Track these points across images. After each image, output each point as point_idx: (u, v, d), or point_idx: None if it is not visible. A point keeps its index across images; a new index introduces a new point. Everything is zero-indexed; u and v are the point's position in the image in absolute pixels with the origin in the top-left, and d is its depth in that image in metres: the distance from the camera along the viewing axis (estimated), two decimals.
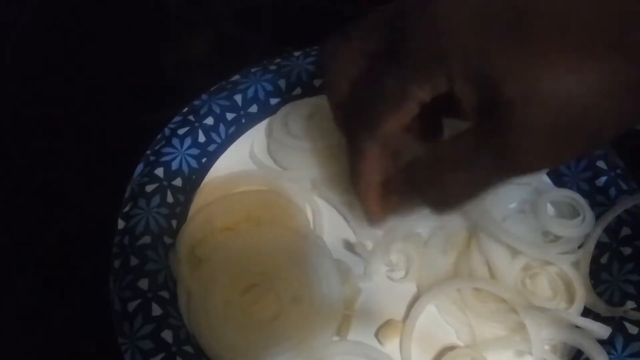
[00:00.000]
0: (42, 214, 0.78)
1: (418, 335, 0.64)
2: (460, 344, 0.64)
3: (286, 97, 0.80)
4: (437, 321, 0.65)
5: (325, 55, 0.62)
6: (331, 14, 0.99)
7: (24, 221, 0.78)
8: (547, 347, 0.62)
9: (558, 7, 0.44)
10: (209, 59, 0.99)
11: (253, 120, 0.79)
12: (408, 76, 0.52)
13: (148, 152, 0.73)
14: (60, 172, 0.82)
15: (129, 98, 0.89)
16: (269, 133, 0.78)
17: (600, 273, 0.67)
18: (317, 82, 0.81)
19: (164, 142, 0.73)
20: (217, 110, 0.76)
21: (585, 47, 0.43)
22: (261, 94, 0.79)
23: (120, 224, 0.67)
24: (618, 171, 0.71)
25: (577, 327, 0.61)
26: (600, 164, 0.71)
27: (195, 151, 0.74)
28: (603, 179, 0.71)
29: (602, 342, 0.60)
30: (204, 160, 0.75)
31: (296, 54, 0.83)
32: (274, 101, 0.80)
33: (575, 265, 0.67)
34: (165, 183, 0.70)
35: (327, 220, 0.72)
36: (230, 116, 0.77)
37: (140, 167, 0.71)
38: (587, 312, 0.65)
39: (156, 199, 0.69)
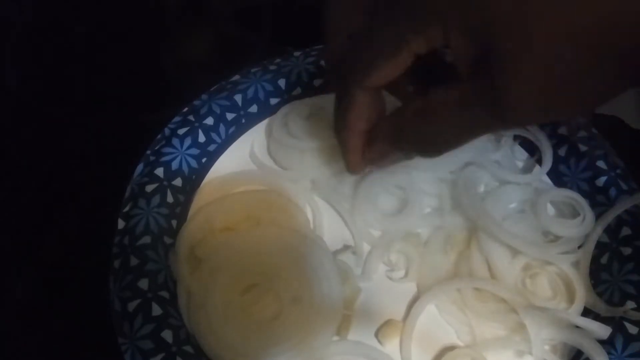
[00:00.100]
0: (42, 214, 0.78)
1: (418, 335, 0.64)
2: (460, 344, 0.64)
3: (286, 97, 0.81)
4: (437, 321, 0.65)
5: (326, 8, 0.62)
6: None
7: (24, 221, 0.78)
8: (547, 347, 0.62)
9: None
10: (209, 59, 0.99)
11: (253, 120, 0.80)
12: (403, 27, 0.51)
13: (148, 152, 0.73)
14: (60, 172, 0.82)
15: (129, 98, 0.89)
16: (269, 133, 0.78)
17: (600, 273, 0.67)
18: (317, 82, 0.81)
19: (164, 142, 0.73)
20: (217, 110, 0.76)
21: None
22: (261, 94, 0.79)
23: (120, 224, 0.67)
24: (618, 171, 0.71)
25: (577, 327, 0.61)
26: (600, 164, 0.71)
27: (195, 151, 0.74)
28: (603, 179, 0.70)
29: (602, 342, 0.60)
30: (204, 160, 0.75)
31: (296, 54, 0.83)
32: (274, 101, 0.80)
33: (575, 265, 0.67)
34: (165, 183, 0.70)
35: (327, 220, 0.72)
36: (230, 116, 0.77)
37: (140, 167, 0.71)
38: (587, 312, 0.65)
39: (156, 199, 0.69)
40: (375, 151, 0.62)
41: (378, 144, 0.61)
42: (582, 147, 0.72)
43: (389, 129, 0.59)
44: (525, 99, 0.45)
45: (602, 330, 0.59)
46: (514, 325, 0.63)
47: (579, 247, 0.68)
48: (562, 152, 0.73)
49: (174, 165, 0.72)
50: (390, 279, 0.68)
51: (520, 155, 0.76)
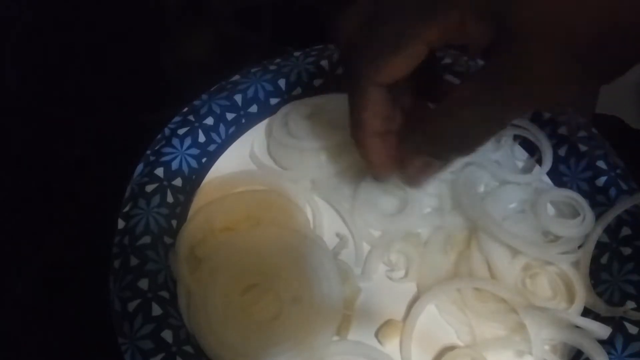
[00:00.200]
0: (42, 214, 0.78)
1: (418, 335, 0.64)
2: (461, 344, 0.64)
3: (286, 97, 0.81)
4: (437, 321, 0.65)
5: (334, 24, 0.61)
6: (331, 15, 0.99)
7: (24, 221, 0.78)
8: (547, 347, 0.62)
9: None
10: (209, 59, 0.99)
11: (253, 120, 0.80)
12: (416, 16, 0.50)
13: (148, 152, 0.73)
14: (60, 172, 0.82)
15: (129, 98, 0.89)
16: (269, 133, 0.78)
17: (600, 273, 0.67)
18: (317, 82, 0.82)
19: (164, 142, 0.73)
20: (217, 110, 0.76)
21: None
22: (261, 94, 0.79)
23: (120, 224, 0.67)
24: (618, 171, 0.71)
25: (577, 327, 0.61)
26: (600, 164, 0.71)
27: (195, 151, 0.74)
28: (603, 179, 0.70)
29: (602, 342, 0.60)
30: (204, 160, 0.75)
31: (296, 54, 0.83)
32: (274, 101, 0.80)
33: (575, 265, 0.67)
34: (165, 183, 0.70)
35: (327, 220, 0.72)
36: (230, 116, 0.77)
37: (140, 167, 0.71)
38: (587, 312, 0.65)
39: (156, 199, 0.69)
40: (414, 167, 0.61)
41: (414, 161, 0.60)
42: (582, 147, 0.72)
43: (422, 141, 0.58)
44: (549, 70, 0.45)
45: (602, 330, 0.59)
46: (514, 325, 0.63)
47: (579, 247, 0.68)
48: (562, 152, 0.73)
49: (174, 165, 0.72)
50: (390, 279, 0.68)
51: (520, 155, 0.76)
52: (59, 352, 0.68)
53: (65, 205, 0.78)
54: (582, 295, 0.65)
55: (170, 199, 0.70)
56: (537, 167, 0.75)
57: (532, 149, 0.76)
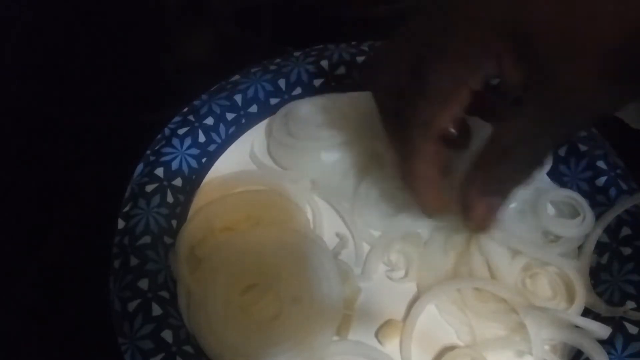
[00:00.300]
0: (42, 214, 0.78)
1: (418, 335, 0.64)
2: (461, 343, 0.64)
3: (286, 97, 0.81)
4: (437, 321, 0.65)
5: (367, 66, 0.62)
6: (331, 15, 0.99)
7: (24, 221, 0.78)
8: (547, 347, 0.62)
9: None
10: (209, 59, 0.99)
11: (253, 120, 0.80)
12: (458, 67, 0.53)
13: (148, 152, 0.73)
14: (60, 172, 0.82)
15: (129, 98, 0.89)
16: (269, 133, 0.78)
17: (600, 273, 0.67)
18: (317, 82, 0.82)
19: (164, 142, 0.73)
20: (217, 110, 0.76)
21: None
22: (261, 94, 0.79)
23: (120, 223, 0.67)
24: (618, 171, 0.71)
25: (577, 327, 0.61)
26: (600, 164, 0.71)
27: (195, 151, 0.74)
28: (603, 179, 0.70)
29: (602, 342, 0.60)
30: (204, 160, 0.75)
31: (296, 53, 0.83)
32: (274, 101, 0.80)
33: (575, 265, 0.67)
34: (165, 183, 0.70)
35: (327, 220, 0.72)
36: (230, 116, 0.78)
37: (140, 167, 0.71)
38: (587, 312, 0.64)
39: (156, 199, 0.69)
40: (480, 213, 0.61)
41: (478, 206, 0.60)
42: (582, 147, 0.72)
43: (484, 183, 0.59)
44: (590, 93, 0.47)
45: (602, 331, 0.59)
46: (514, 325, 0.63)
47: (579, 247, 0.68)
48: (562, 152, 0.73)
49: (174, 165, 0.72)
50: (391, 279, 0.68)
51: None
52: (59, 352, 0.68)
53: (65, 205, 0.78)
54: (582, 295, 0.65)
55: (170, 199, 0.70)
56: None
57: None
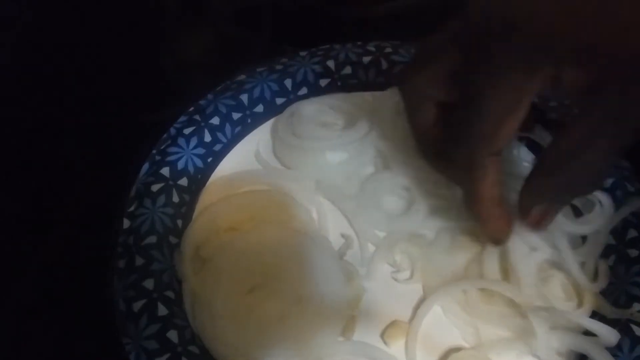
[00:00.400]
0: (42, 214, 0.78)
1: (423, 336, 0.63)
2: (466, 345, 0.64)
3: (292, 97, 0.81)
4: (442, 322, 0.65)
5: (402, 81, 0.61)
6: (331, 15, 0.99)
7: (23, 221, 0.77)
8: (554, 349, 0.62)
9: None
10: (208, 59, 0.99)
11: (259, 120, 0.80)
12: (516, 78, 0.51)
13: (154, 151, 0.73)
14: (60, 172, 0.82)
15: (129, 98, 0.89)
16: (275, 133, 0.78)
17: None
18: (323, 82, 0.82)
19: (169, 142, 0.73)
20: (223, 110, 0.77)
21: None
22: (267, 94, 0.79)
23: (126, 223, 0.67)
24: (625, 173, 0.71)
25: (584, 333, 0.61)
26: None
27: (201, 151, 0.74)
28: (610, 180, 0.70)
29: None
30: (209, 159, 0.75)
31: (302, 53, 0.83)
32: (279, 101, 0.80)
33: (581, 266, 0.67)
34: (171, 182, 0.70)
35: (332, 220, 0.72)
36: (236, 116, 0.78)
37: (146, 167, 0.71)
38: (593, 315, 0.64)
39: (162, 199, 0.69)
40: (534, 219, 0.61)
41: (535, 209, 0.60)
42: None
43: (546, 190, 0.58)
44: None
45: (612, 335, 0.59)
46: (520, 328, 0.63)
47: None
48: None
49: (180, 164, 0.72)
50: (396, 279, 0.68)
51: (527, 157, 0.76)
52: (59, 353, 0.68)
53: (65, 205, 0.78)
54: (590, 298, 0.64)
55: (175, 198, 0.70)
56: None
57: (538, 151, 0.75)
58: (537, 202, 0.59)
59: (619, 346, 0.59)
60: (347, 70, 0.82)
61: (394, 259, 0.69)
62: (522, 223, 0.62)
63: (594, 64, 0.48)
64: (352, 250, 0.70)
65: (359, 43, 0.84)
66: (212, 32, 1.02)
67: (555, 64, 0.49)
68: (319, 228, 0.71)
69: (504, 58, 0.52)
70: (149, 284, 0.63)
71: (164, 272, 0.64)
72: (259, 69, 0.81)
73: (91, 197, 0.78)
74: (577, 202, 0.71)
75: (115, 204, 0.69)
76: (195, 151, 0.73)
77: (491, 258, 0.67)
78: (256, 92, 0.79)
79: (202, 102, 0.77)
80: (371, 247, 0.70)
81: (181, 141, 0.73)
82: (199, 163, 0.74)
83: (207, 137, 0.75)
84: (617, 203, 0.69)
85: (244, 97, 0.78)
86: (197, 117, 0.76)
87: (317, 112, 0.78)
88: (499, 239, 0.64)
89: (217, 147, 0.76)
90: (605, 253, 0.67)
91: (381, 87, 0.81)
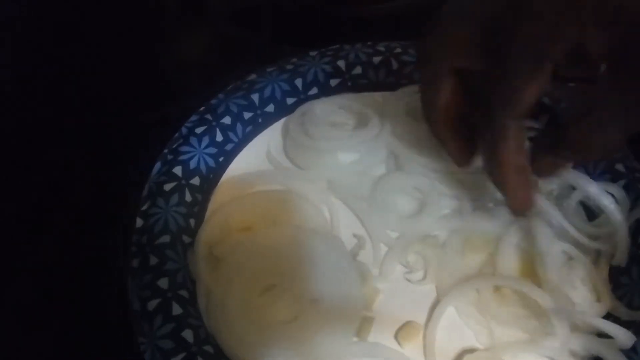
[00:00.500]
0: (41, 214, 0.77)
1: (437, 337, 0.63)
2: (480, 346, 0.63)
3: (303, 97, 0.81)
4: (456, 324, 0.65)
5: (422, 49, 0.61)
6: (331, 14, 0.99)
7: (23, 221, 0.77)
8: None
9: None
10: (208, 59, 0.98)
11: (270, 119, 0.80)
12: (539, 41, 0.50)
13: (165, 150, 0.73)
14: (59, 171, 0.81)
15: (129, 98, 0.89)
16: (286, 133, 0.78)
17: (619, 277, 0.66)
18: (333, 82, 0.82)
19: (181, 141, 0.73)
20: (235, 109, 0.77)
21: None
22: (278, 94, 0.80)
23: (139, 222, 0.67)
24: (637, 174, 0.71)
25: (599, 334, 0.61)
26: (619, 166, 0.71)
27: (212, 150, 0.74)
28: (622, 182, 0.70)
29: None
30: (221, 159, 0.75)
31: (312, 53, 0.83)
32: (290, 101, 0.80)
33: (596, 264, 0.67)
34: (183, 182, 0.70)
35: (344, 220, 0.72)
36: (247, 115, 0.78)
37: (158, 166, 0.71)
38: (607, 316, 0.64)
39: (175, 198, 0.69)
40: (541, 167, 0.60)
41: (544, 159, 0.60)
42: None
43: (561, 147, 0.57)
44: None
45: (627, 337, 0.59)
46: (535, 330, 0.63)
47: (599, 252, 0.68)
48: None
49: (192, 164, 0.72)
50: (409, 280, 0.68)
51: None
52: (58, 353, 0.67)
53: (65, 205, 0.77)
54: (607, 296, 0.65)
55: (188, 197, 0.70)
56: None
57: None
58: (550, 156, 0.59)
59: (633, 348, 0.59)
60: (358, 70, 0.82)
61: (407, 259, 0.69)
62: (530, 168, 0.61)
63: (618, 27, 0.47)
64: (365, 251, 0.70)
65: (369, 43, 0.84)
66: (212, 32, 1.02)
67: (578, 28, 0.48)
68: (331, 228, 0.71)
69: (526, 23, 0.51)
70: (163, 283, 0.62)
71: (178, 271, 0.64)
72: (269, 69, 0.81)
73: (91, 197, 0.78)
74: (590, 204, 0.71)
75: (115, 204, 0.69)
76: (207, 150, 0.73)
77: (505, 259, 0.67)
78: (267, 92, 0.79)
79: (213, 101, 0.77)
80: (384, 248, 0.70)
81: (193, 140, 0.73)
82: (211, 162, 0.73)
83: (219, 137, 0.75)
84: (630, 205, 0.69)
85: (255, 97, 0.78)
86: (208, 116, 0.75)
87: (328, 112, 0.79)
88: (522, 209, 0.63)
89: (229, 147, 0.76)
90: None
91: (391, 87, 0.82)
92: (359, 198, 0.73)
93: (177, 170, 0.71)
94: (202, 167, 0.72)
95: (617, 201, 0.69)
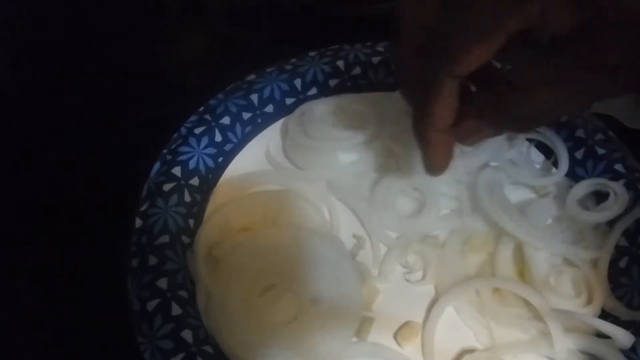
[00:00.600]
0: (42, 214, 0.77)
1: (436, 337, 0.63)
2: (480, 347, 0.63)
3: (302, 97, 0.81)
4: (456, 324, 0.65)
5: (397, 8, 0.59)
6: (330, 14, 0.99)
7: (23, 221, 0.77)
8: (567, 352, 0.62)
9: None
10: (208, 58, 0.98)
11: (269, 119, 0.80)
12: (498, 6, 0.48)
13: (164, 151, 0.73)
14: (59, 171, 0.81)
15: (129, 98, 0.89)
16: (285, 133, 0.78)
17: (619, 277, 0.66)
18: (332, 82, 0.82)
19: (180, 141, 0.73)
20: (234, 110, 0.77)
21: None
22: (277, 94, 0.80)
23: (138, 222, 0.67)
24: (636, 174, 0.71)
25: (598, 335, 0.61)
26: (619, 167, 0.71)
27: (212, 150, 0.74)
28: (621, 182, 0.70)
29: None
30: (220, 159, 0.75)
31: (311, 53, 0.83)
32: (289, 101, 0.80)
33: (595, 264, 0.67)
34: (182, 182, 0.70)
35: (344, 220, 0.72)
36: (246, 115, 0.78)
37: (157, 166, 0.71)
38: (606, 316, 0.64)
39: (174, 198, 0.69)
40: (465, 129, 0.58)
41: (469, 122, 0.58)
42: (600, 150, 0.72)
43: (483, 105, 0.56)
44: (636, 62, 0.44)
45: (626, 338, 0.59)
46: (534, 330, 0.63)
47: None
48: (579, 154, 0.73)
49: (191, 164, 0.72)
50: (408, 281, 0.68)
51: (537, 158, 0.76)
52: (58, 353, 0.67)
53: (65, 205, 0.77)
54: (600, 296, 0.65)
55: (187, 198, 0.70)
56: (554, 169, 0.74)
57: (548, 152, 0.76)
58: (475, 118, 0.58)
59: (633, 348, 0.59)
60: (357, 70, 0.82)
61: (406, 260, 0.69)
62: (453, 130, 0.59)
63: (581, 7, 0.45)
64: (364, 251, 0.70)
65: (369, 43, 0.84)
66: (212, 32, 1.02)
67: (541, 2, 0.46)
68: (331, 228, 0.71)
69: None
70: (162, 283, 0.62)
71: (178, 271, 0.64)
72: (268, 69, 0.81)
73: (91, 197, 0.78)
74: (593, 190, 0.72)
75: (115, 204, 0.69)
76: (206, 151, 0.73)
77: (504, 260, 0.67)
78: (266, 92, 0.79)
79: (212, 101, 0.77)
80: (383, 248, 0.70)
81: (192, 141, 0.73)
82: (210, 163, 0.74)
83: (218, 137, 0.75)
84: (630, 204, 0.69)
85: (254, 97, 0.78)
86: (207, 116, 0.75)
87: (327, 112, 0.79)
88: (435, 167, 0.61)
89: (228, 147, 0.76)
90: (618, 254, 0.67)
91: (391, 87, 0.81)
92: (359, 198, 0.73)
93: (176, 170, 0.71)
94: (201, 167, 0.72)
95: (616, 193, 0.69)
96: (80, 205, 0.77)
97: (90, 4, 1.02)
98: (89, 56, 0.95)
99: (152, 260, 0.64)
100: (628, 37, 0.44)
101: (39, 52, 0.97)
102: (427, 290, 0.67)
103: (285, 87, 0.80)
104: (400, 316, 0.65)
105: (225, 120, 0.76)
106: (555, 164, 0.75)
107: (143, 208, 0.68)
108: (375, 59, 0.82)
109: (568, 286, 0.66)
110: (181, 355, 0.58)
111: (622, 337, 0.59)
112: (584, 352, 0.61)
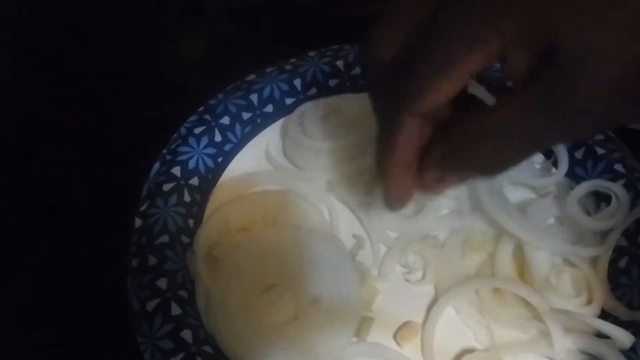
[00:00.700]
0: (42, 214, 0.77)
1: (436, 337, 0.63)
2: (479, 347, 0.63)
3: (302, 97, 0.81)
4: (456, 324, 0.65)
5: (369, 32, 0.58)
6: (330, 14, 0.99)
7: (22, 221, 0.77)
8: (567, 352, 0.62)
9: None
10: (208, 58, 0.98)
11: (269, 119, 0.80)
12: (457, 45, 0.47)
13: (164, 151, 0.73)
14: (59, 171, 0.81)
15: (129, 98, 0.89)
16: (285, 133, 0.78)
17: (619, 277, 0.66)
18: (332, 82, 0.82)
19: (180, 141, 0.73)
20: (233, 110, 0.77)
21: None
22: (277, 94, 0.79)
23: (138, 222, 0.67)
24: (636, 174, 0.71)
25: (598, 335, 0.61)
26: (618, 167, 0.71)
27: (211, 150, 0.74)
28: (621, 182, 0.70)
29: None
30: (220, 159, 0.75)
31: (311, 53, 0.83)
32: (289, 101, 0.80)
33: (594, 264, 0.67)
34: (182, 182, 0.70)
35: (344, 220, 0.72)
36: (246, 115, 0.78)
37: (157, 166, 0.71)
38: (606, 316, 0.64)
39: (174, 198, 0.69)
40: (429, 179, 0.57)
41: (431, 171, 0.56)
42: (600, 150, 0.72)
43: (443, 154, 0.55)
44: (594, 106, 0.43)
45: (626, 338, 0.59)
46: (536, 331, 0.63)
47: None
48: (578, 155, 0.73)
49: (191, 164, 0.72)
50: (408, 281, 0.68)
51: (537, 157, 0.76)
52: (58, 353, 0.67)
53: (65, 205, 0.77)
54: (599, 296, 0.65)
55: (187, 198, 0.70)
56: (554, 169, 0.74)
57: (547, 151, 0.76)
58: (436, 167, 0.56)
59: (632, 348, 0.59)
60: (357, 70, 0.82)
61: (406, 260, 0.69)
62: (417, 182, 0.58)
63: (541, 47, 0.44)
64: (364, 251, 0.70)
65: None
66: (212, 32, 1.02)
67: (500, 40, 0.45)
68: (330, 228, 0.71)
69: (449, 24, 0.48)
70: (162, 283, 0.62)
71: (178, 271, 0.64)
72: (268, 69, 0.81)
73: (91, 197, 0.78)
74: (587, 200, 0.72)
75: (115, 204, 0.69)
76: (205, 151, 0.73)
77: (504, 260, 0.67)
78: (266, 92, 0.79)
79: (212, 101, 0.77)
80: (383, 248, 0.70)
81: (192, 141, 0.73)
82: (210, 163, 0.74)
83: (218, 137, 0.75)
84: (630, 205, 0.69)
85: (254, 97, 0.78)
86: (207, 116, 0.75)
87: (327, 112, 0.78)
88: (392, 199, 0.60)
89: (228, 147, 0.76)
90: (618, 255, 0.67)
91: None
92: (358, 198, 0.73)
93: (176, 170, 0.71)
94: (201, 167, 0.73)
95: (617, 197, 0.69)
96: (80, 205, 0.77)
97: (90, 4, 1.01)
98: (89, 56, 0.95)
99: (152, 260, 0.64)
100: (603, 71, 0.42)
101: (39, 52, 0.97)
102: (427, 290, 0.67)
103: (285, 87, 0.80)
104: (400, 316, 0.65)
105: (225, 120, 0.76)
106: (555, 164, 0.74)
107: (143, 208, 0.68)
108: None
109: (568, 286, 0.66)
110: (181, 355, 0.58)
111: (622, 337, 0.59)
112: (583, 352, 0.61)
